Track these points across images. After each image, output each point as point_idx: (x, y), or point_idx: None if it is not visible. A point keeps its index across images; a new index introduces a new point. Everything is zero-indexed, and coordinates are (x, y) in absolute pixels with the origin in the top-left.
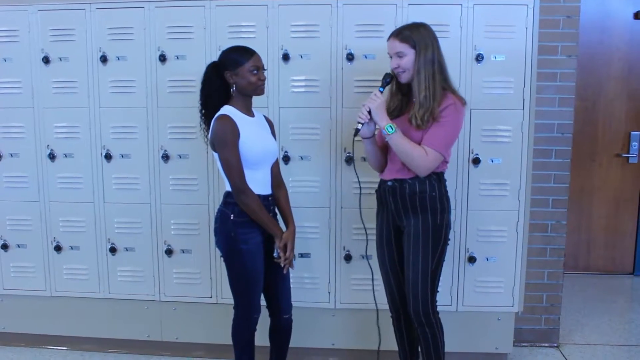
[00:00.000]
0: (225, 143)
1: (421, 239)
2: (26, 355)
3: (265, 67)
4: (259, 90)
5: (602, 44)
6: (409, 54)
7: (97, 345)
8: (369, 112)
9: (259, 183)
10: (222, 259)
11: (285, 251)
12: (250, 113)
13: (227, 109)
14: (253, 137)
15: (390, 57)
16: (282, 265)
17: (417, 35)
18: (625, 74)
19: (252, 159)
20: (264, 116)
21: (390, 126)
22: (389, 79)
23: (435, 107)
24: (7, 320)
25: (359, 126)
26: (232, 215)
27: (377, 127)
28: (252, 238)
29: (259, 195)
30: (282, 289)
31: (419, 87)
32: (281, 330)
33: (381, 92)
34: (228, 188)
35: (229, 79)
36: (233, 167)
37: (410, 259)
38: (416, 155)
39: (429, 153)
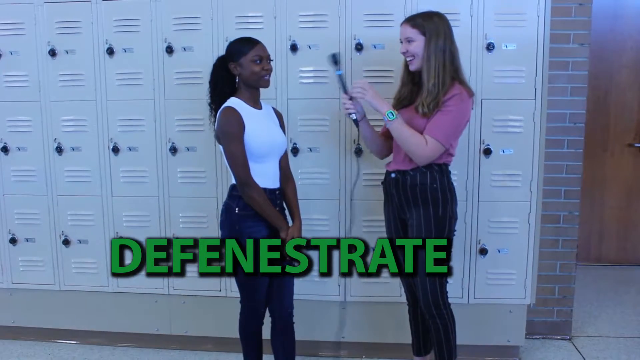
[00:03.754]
0: (229, 135)
1: (424, 231)
2: (35, 349)
3: (272, 58)
4: (262, 81)
5: (614, 32)
6: (418, 41)
7: (106, 339)
8: (351, 99)
9: (266, 176)
10: None
11: None
12: (257, 105)
13: (232, 101)
14: (259, 129)
15: (401, 42)
16: (290, 263)
17: (429, 23)
18: (637, 62)
19: (258, 151)
20: (273, 108)
21: (391, 112)
22: (336, 57)
23: (440, 96)
24: (16, 314)
25: (353, 116)
26: (236, 209)
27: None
28: (256, 232)
29: (265, 189)
30: (286, 284)
31: (428, 74)
32: (284, 331)
33: (340, 74)
34: (234, 181)
35: (233, 70)
36: (237, 159)
37: (418, 252)
38: (415, 142)
39: (428, 142)
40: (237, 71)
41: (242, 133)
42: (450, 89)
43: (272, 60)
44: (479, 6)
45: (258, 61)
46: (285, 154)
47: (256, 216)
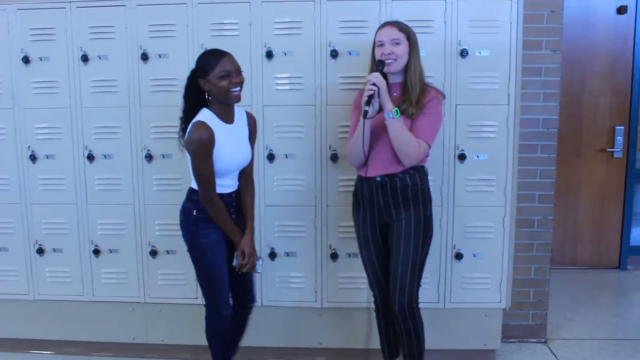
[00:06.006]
0: (199, 154)
1: (413, 231)
2: None
3: (242, 69)
4: (231, 97)
5: (586, 39)
6: (404, 45)
7: (82, 348)
8: (378, 94)
9: (224, 186)
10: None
11: (243, 257)
12: (229, 119)
13: (204, 115)
14: (226, 149)
15: (380, 45)
16: (241, 271)
17: (410, 31)
18: (609, 69)
19: (222, 170)
20: (247, 113)
21: (397, 110)
22: (382, 66)
23: (421, 99)
24: None
25: (367, 107)
26: (194, 211)
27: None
28: (212, 232)
29: (222, 194)
30: (248, 280)
31: (415, 78)
32: (242, 319)
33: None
34: (193, 185)
35: (203, 86)
36: (204, 177)
37: (401, 252)
38: (413, 144)
39: (420, 145)
40: (207, 87)
41: (212, 150)
42: (427, 92)
43: (242, 72)
44: (453, 13)
45: (225, 75)
46: (251, 162)
47: (212, 219)
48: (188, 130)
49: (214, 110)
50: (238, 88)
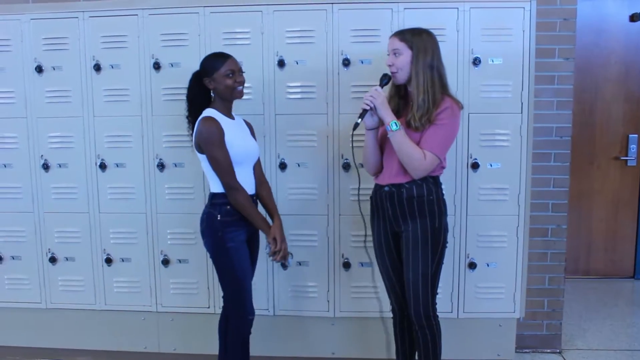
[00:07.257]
0: (213, 142)
1: (420, 243)
2: None
3: (244, 70)
4: (236, 93)
5: (599, 46)
6: (405, 54)
7: (94, 357)
8: (374, 108)
9: (243, 183)
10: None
11: (275, 244)
12: (230, 116)
13: (209, 111)
14: (235, 137)
15: (388, 54)
16: (276, 260)
17: (417, 39)
18: (622, 76)
19: (235, 158)
20: (243, 119)
21: (395, 122)
22: (387, 79)
23: (432, 110)
24: (1, 333)
25: (359, 120)
26: (219, 216)
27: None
28: (237, 236)
29: None
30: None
31: (418, 89)
32: None
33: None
34: (213, 190)
35: (208, 85)
36: (223, 164)
37: (410, 263)
38: (416, 156)
39: (426, 156)
40: (212, 85)
41: (224, 139)
42: (441, 102)
43: (244, 72)
44: (465, 21)
45: (230, 75)
46: (258, 160)
47: (237, 222)
48: (196, 127)
49: (216, 107)
50: (241, 87)
